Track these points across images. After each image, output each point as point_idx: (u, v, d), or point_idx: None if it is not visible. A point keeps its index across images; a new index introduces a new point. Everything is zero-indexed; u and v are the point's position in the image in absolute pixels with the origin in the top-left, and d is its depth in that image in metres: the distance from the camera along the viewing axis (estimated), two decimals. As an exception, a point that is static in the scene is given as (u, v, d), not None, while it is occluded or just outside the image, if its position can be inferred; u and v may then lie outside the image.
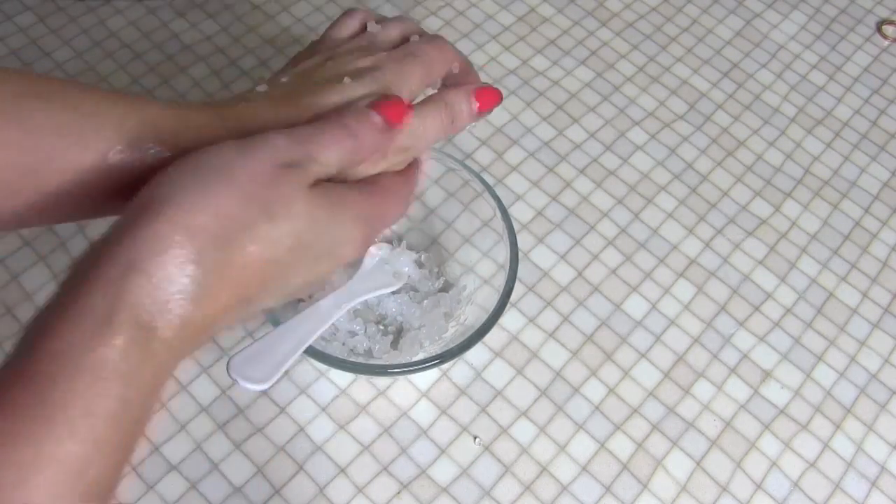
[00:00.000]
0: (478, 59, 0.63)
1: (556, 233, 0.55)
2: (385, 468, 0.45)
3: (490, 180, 0.56)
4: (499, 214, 0.46)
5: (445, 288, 0.50)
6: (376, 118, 0.32)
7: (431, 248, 0.52)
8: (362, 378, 0.48)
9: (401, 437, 0.46)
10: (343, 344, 0.47)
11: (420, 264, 0.51)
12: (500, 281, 0.44)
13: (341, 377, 0.48)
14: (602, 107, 0.62)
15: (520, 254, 0.50)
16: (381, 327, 0.48)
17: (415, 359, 0.43)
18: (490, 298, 0.44)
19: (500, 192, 0.50)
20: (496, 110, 0.61)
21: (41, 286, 0.50)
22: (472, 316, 0.46)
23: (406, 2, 0.66)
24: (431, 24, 0.65)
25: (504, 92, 0.61)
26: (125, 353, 0.24)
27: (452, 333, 0.46)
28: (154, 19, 0.63)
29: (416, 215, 0.52)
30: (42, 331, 0.24)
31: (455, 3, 0.66)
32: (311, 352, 0.41)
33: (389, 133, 0.32)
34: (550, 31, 0.66)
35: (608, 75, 0.63)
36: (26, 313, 0.49)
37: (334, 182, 0.30)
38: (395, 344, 0.48)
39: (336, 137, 0.30)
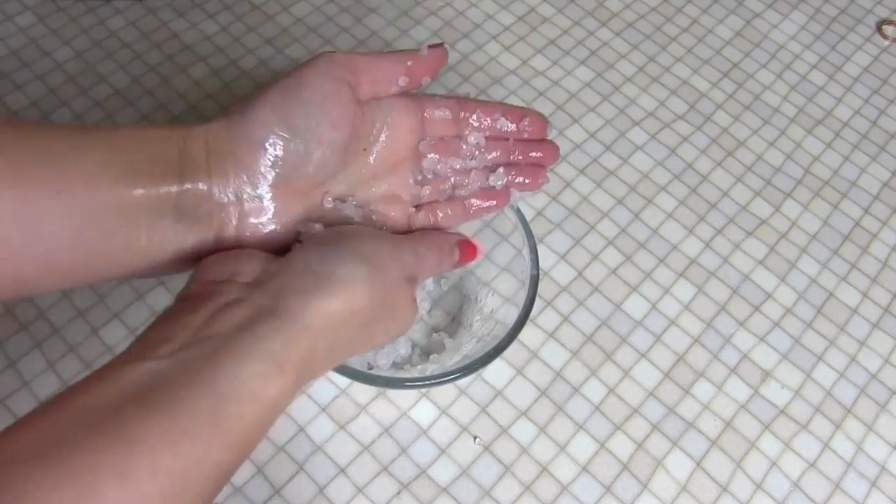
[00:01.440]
0: (478, 59, 0.63)
1: (556, 233, 0.55)
2: (385, 468, 0.45)
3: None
4: (521, 229, 0.46)
5: (465, 302, 0.51)
6: (457, 254, 0.39)
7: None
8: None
9: (401, 437, 0.46)
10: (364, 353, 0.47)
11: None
12: (520, 295, 0.44)
13: (341, 377, 0.48)
14: (602, 107, 0.62)
15: (518, 254, 0.50)
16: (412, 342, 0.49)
17: (433, 373, 0.43)
18: (510, 314, 0.44)
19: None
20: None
21: (41, 286, 0.50)
22: (489, 329, 0.46)
23: (406, 2, 0.66)
24: (431, 24, 0.65)
25: (504, 92, 0.61)
26: (282, 387, 0.29)
27: (470, 348, 0.46)
28: (154, 19, 0.63)
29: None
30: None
31: (455, 3, 0.66)
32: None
33: (457, 265, 0.40)
34: (550, 31, 0.66)
35: (608, 75, 0.63)
36: (26, 313, 0.49)
37: None
38: (423, 357, 0.49)
39: (435, 262, 0.38)
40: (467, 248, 0.40)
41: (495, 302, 0.48)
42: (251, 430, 0.28)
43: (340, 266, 0.32)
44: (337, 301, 0.31)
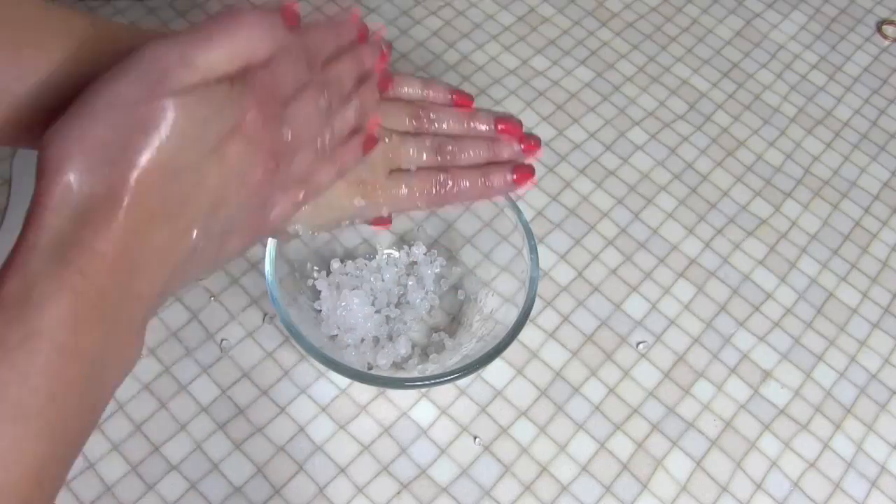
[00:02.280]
0: (478, 58, 0.63)
1: (556, 233, 0.55)
2: (385, 468, 0.45)
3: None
4: (521, 229, 0.46)
5: (465, 302, 0.51)
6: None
7: (449, 259, 0.52)
8: (362, 378, 0.48)
9: (401, 437, 0.46)
10: (364, 353, 0.48)
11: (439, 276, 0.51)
12: (520, 295, 0.45)
13: (341, 377, 0.48)
14: (602, 107, 0.62)
15: (518, 254, 0.50)
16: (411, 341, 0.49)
17: (433, 373, 0.43)
18: (510, 314, 0.44)
19: (485, 208, 0.50)
20: (496, 110, 0.61)
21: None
22: (489, 329, 0.46)
23: (406, 2, 0.66)
24: (431, 24, 0.65)
25: (504, 92, 0.61)
26: (37, 290, 0.25)
27: (471, 348, 0.46)
28: (154, 19, 0.63)
29: (435, 230, 0.53)
30: None
31: (455, 3, 0.66)
32: (334, 365, 0.41)
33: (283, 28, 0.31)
34: (550, 31, 0.66)
35: (608, 75, 0.63)
36: (26, 313, 0.49)
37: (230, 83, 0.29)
38: (423, 357, 0.49)
39: (214, 37, 0.29)
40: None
41: (495, 302, 0.48)
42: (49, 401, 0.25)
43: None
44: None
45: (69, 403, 0.26)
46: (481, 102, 0.61)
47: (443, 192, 0.39)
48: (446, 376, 0.41)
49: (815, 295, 0.54)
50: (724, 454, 0.47)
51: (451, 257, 0.52)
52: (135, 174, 0.27)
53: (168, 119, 0.27)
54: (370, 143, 0.37)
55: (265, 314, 0.50)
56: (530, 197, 0.56)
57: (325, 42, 0.35)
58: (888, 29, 0.69)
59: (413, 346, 0.49)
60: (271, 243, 0.44)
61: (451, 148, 0.40)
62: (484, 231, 0.51)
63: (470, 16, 0.66)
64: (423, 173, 0.39)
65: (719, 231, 0.56)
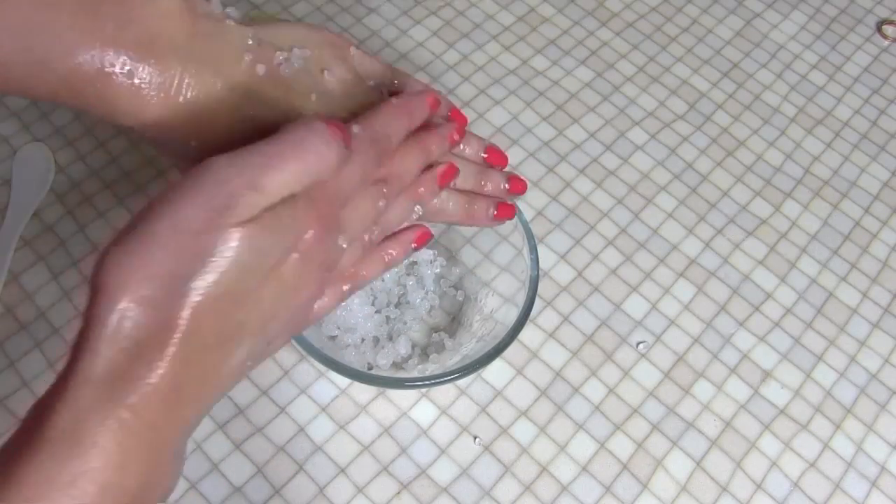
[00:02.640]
0: (478, 58, 0.63)
1: (556, 233, 0.55)
2: (385, 468, 0.45)
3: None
4: (521, 229, 0.46)
5: (465, 302, 0.51)
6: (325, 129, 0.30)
7: (449, 260, 0.52)
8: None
9: (401, 437, 0.46)
10: (364, 353, 0.48)
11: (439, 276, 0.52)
12: (520, 295, 0.45)
13: (341, 377, 0.48)
14: (602, 107, 0.62)
15: (518, 254, 0.50)
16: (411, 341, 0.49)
17: (433, 373, 0.43)
18: (510, 314, 0.44)
19: None
20: (496, 109, 0.61)
21: (41, 286, 0.50)
22: (489, 329, 0.46)
23: (406, 2, 0.66)
24: (431, 24, 0.65)
25: (504, 92, 0.61)
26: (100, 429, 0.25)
27: (471, 348, 0.46)
28: (154, 19, 0.63)
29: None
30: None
31: (455, 3, 0.66)
32: (334, 365, 0.41)
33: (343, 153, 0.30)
34: (550, 31, 0.66)
35: (608, 75, 0.63)
36: (26, 313, 0.49)
37: (290, 207, 0.29)
38: (423, 357, 0.49)
39: (283, 157, 0.29)
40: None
41: (495, 302, 0.48)
42: None
43: None
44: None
45: None
46: (481, 102, 0.61)
47: (428, 206, 0.39)
48: (446, 376, 0.41)
49: (815, 295, 0.54)
50: (724, 454, 0.47)
51: (451, 257, 0.52)
52: (193, 306, 0.26)
53: (232, 250, 0.27)
54: (422, 238, 0.38)
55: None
56: (530, 197, 0.56)
57: (396, 129, 0.35)
58: (888, 29, 0.69)
59: (413, 347, 0.49)
60: None
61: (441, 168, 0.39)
62: (484, 231, 0.50)
63: (470, 16, 0.66)
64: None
65: (719, 231, 0.56)
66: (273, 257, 0.28)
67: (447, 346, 0.48)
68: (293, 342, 0.41)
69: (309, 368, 0.48)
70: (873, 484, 0.47)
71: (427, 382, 0.42)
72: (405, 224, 0.38)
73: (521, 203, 0.55)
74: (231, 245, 0.27)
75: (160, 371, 0.26)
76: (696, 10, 0.68)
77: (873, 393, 0.50)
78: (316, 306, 0.34)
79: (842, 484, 0.47)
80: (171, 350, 0.26)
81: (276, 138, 0.29)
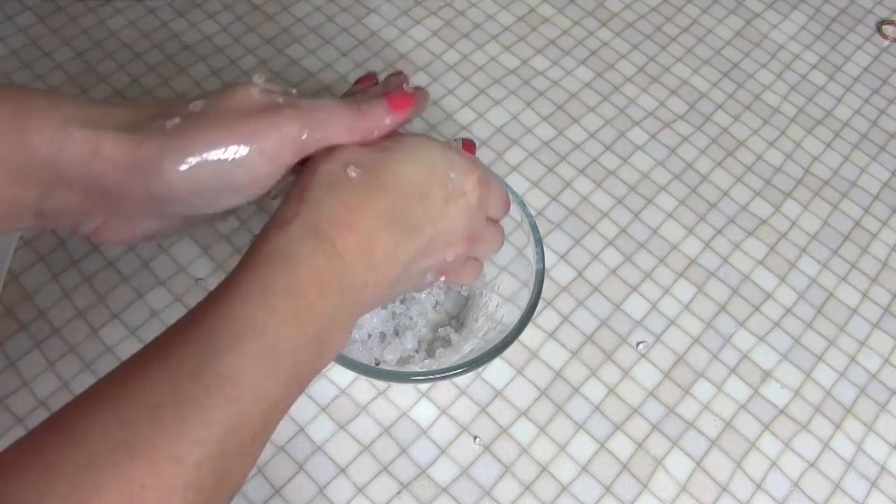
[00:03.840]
0: (478, 59, 0.63)
1: (556, 233, 0.55)
2: (385, 468, 0.45)
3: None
4: (526, 224, 0.46)
5: (469, 297, 0.51)
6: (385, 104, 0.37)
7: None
8: (362, 378, 0.48)
9: (401, 437, 0.46)
10: (371, 348, 0.48)
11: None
12: (525, 289, 0.45)
13: (341, 377, 0.48)
14: (602, 107, 0.62)
15: (519, 254, 0.50)
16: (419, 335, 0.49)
17: (440, 367, 0.43)
18: (514, 310, 0.44)
19: None
20: (496, 109, 0.61)
21: (41, 286, 0.50)
22: (495, 324, 0.46)
23: (406, 2, 0.66)
24: (431, 24, 0.65)
25: (504, 92, 0.61)
26: (297, 241, 0.31)
27: (476, 342, 0.46)
28: (154, 19, 0.63)
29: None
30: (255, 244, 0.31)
31: (455, 3, 0.66)
32: (342, 360, 0.41)
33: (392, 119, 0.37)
34: (550, 31, 0.66)
35: (608, 75, 0.63)
36: (26, 313, 0.49)
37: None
38: (430, 352, 0.49)
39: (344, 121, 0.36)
40: (397, 99, 0.38)
41: (505, 290, 0.48)
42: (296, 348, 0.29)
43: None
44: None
45: (303, 357, 0.30)
46: (481, 102, 0.61)
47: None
48: (454, 370, 0.41)
49: (815, 295, 0.54)
50: (724, 454, 0.47)
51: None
52: (395, 179, 0.34)
53: (434, 150, 0.36)
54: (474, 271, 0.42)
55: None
56: (530, 197, 0.56)
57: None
58: (888, 29, 0.69)
59: (419, 342, 0.49)
60: None
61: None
62: None
63: (470, 16, 0.66)
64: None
65: (719, 231, 0.56)
66: (453, 186, 0.36)
67: (453, 341, 0.48)
68: None
69: (309, 368, 0.48)
70: (873, 484, 0.47)
71: (434, 377, 0.42)
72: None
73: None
74: (433, 146, 0.36)
75: (360, 219, 0.32)
76: (696, 10, 0.68)
77: (873, 393, 0.50)
78: (426, 280, 0.38)
79: (842, 484, 0.47)
80: (370, 206, 0.33)
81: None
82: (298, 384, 0.30)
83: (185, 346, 0.28)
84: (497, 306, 0.47)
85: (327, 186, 0.32)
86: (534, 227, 0.45)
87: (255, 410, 0.28)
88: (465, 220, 0.37)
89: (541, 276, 0.44)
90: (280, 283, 0.29)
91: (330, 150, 0.34)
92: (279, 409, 0.29)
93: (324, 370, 0.48)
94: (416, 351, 0.48)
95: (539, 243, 0.45)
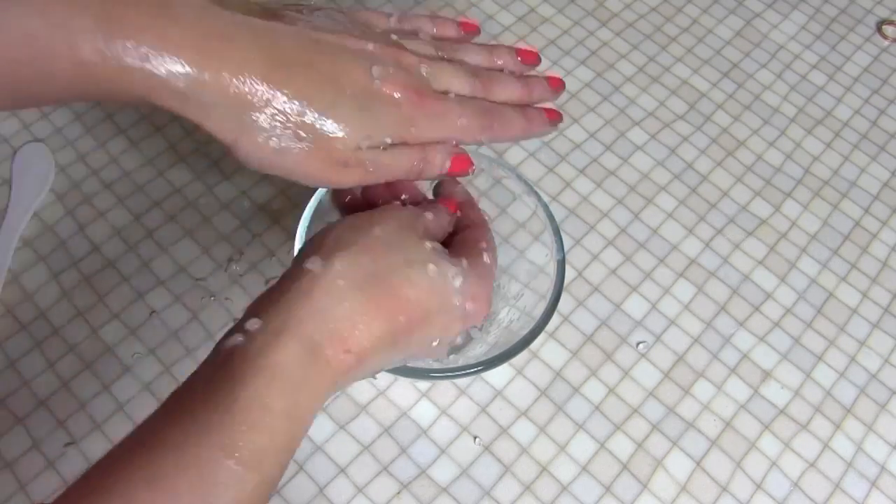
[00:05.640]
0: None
1: (556, 233, 0.55)
2: (385, 468, 0.45)
3: (490, 181, 0.56)
4: (544, 218, 0.46)
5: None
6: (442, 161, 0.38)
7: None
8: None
9: (401, 437, 0.46)
10: None
11: None
12: (543, 281, 0.45)
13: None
14: (602, 107, 0.62)
15: (522, 255, 0.50)
16: None
17: (458, 364, 0.43)
18: (536, 301, 0.45)
19: (499, 192, 0.50)
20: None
21: (41, 286, 0.50)
22: (516, 317, 0.47)
23: (406, 2, 0.66)
24: (431, 24, 0.65)
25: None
26: (297, 362, 0.29)
27: (499, 335, 0.46)
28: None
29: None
30: (224, 342, 0.30)
31: (455, 4, 0.66)
32: None
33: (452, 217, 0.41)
34: (550, 31, 0.66)
35: (608, 75, 0.63)
36: (26, 313, 0.49)
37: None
38: (453, 349, 0.48)
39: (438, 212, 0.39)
40: (456, 159, 0.38)
41: (519, 287, 0.48)
42: (273, 406, 0.29)
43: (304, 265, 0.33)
44: (325, 258, 0.32)
45: (281, 461, 0.29)
46: (481, 102, 0.61)
47: (492, 122, 0.39)
48: (475, 367, 0.41)
49: (815, 295, 0.54)
50: (724, 454, 0.47)
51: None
52: (397, 301, 0.33)
53: (427, 256, 0.35)
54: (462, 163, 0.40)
55: (265, 314, 0.50)
56: (530, 197, 0.56)
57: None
58: (888, 29, 0.69)
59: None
60: (298, 238, 0.43)
61: (486, 77, 0.40)
62: (505, 216, 0.51)
63: (470, 16, 0.66)
64: (470, 101, 0.39)
65: (719, 231, 0.56)
66: (450, 303, 0.36)
67: (474, 337, 0.48)
68: None
69: (309, 368, 0.48)
70: (873, 484, 0.47)
71: (452, 374, 0.42)
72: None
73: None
74: (425, 251, 0.36)
75: (358, 343, 0.32)
76: (696, 10, 0.68)
77: (873, 393, 0.50)
78: None
79: (842, 484, 0.47)
80: (370, 327, 0.32)
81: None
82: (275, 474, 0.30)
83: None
84: (518, 293, 0.48)
85: (324, 294, 0.31)
86: (550, 217, 0.46)
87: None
88: (459, 327, 0.37)
89: (562, 265, 0.44)
90: (278, 404, 0.29)
91: (321, 241, 0.33)
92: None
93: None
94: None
95: (556, 233, 0.45)
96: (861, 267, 0.56)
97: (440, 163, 0.38)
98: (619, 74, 0.64)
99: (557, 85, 0.43)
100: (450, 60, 0.39)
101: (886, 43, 0.68)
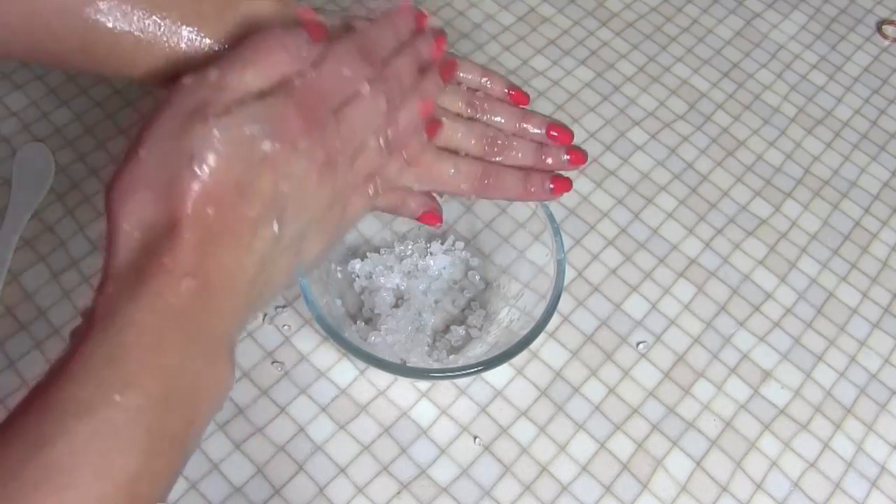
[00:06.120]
0: (478, 59, 0.63)
1: (556, 233, 0.55)
2: (385, 468, 0.45)
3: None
4: (544, 218, 0.46)
5: (489, 290, 0.51)
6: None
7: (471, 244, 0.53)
8: (362, 377, 0.48)
9: (401, 437, 0.46)
10: (392, 346, 0.48)
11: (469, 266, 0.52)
12: (543, 285, 0.45)
13: (341, 377, 0.48)
14: (602, 107, 0.62)
15: (522, 255, 0.50)
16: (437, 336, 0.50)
17: (458, 364, 0.44)
18: (535, 301, 0.45)
19: None
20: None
21: (41, 286, 0.50)
22: (516, 317, 0.47)
23: (405, 1, 0.66)
24: (431, 24, 0.65)
25: (504, 92, 0.61)
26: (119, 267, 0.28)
27: (498, 335, 0.47)
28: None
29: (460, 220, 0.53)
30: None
31: (455, 3, 0.66)
32: (354, 350, 0.41)
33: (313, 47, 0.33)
34: (550, 31, 0.66)
35: (608, 75, 0.63)
36: (26, 313, 0.49)
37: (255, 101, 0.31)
38: (452, 349, 0.49)
39: (243, 57, 0.31)
40: (428, 215, 0.40)
41: (519, 287, 0.48)
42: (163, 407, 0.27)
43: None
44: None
45: (157, 419, 0.27)
46: (481, 102, 0.61)
47: (486, 182, 0.40)
48: (475, 367, 0.42)
49: (815, 295, 0.54)
50: (724, 454, 0.47)
51: (477, 252, 0.52)
52: (189, 200, 0.28)
53: (210, 142, 0.28)
54: (433, 128, 0.38)
55: (265, 314, 0.50)
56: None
57: (382, 40, 0.36)
58: (888, 29, 0.69)
59: (438, 338, 0.49)
60: None
61: (501, 142, 0.40)
62: (505, 219, 0.51)
63: (470, 16, 0.66)
64: (471, 160, 0.40)
65: (719, 231, 0.56)
66: (257, 147, 0.29)
67: (473, 336, 0.48)
68: (336, 344, 0.42)
69: (309, 368, 0.48)
70: (873, 484, 0.47)
71: (452, 374, 0.42)
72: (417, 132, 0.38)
73: (520, 203, 0.56)
74: (208, 139, 0.28)
75: (175, 258, 0.28)
76: (696, 10, 0.68)
77: (873, 393, 0.50)
78: (347, 212, 0.35)
79: (842, 484, 0.47)
80: (180, 239, 0.28)
81: (239, 45, 0.32)
82: (169, 444, 0.27)
83: (10, 442, 0.25)
84: (517, 294, 0.48)
85: (126, 235, 0.29)
86: (550, 218, 0.46)
87: (104, 489, 0.25)
88: (306, 171, 0.32)
89: (562, 266, 0.45)
90: (100, 356, 0.26)
91: (114, 203, 0.29)
92: (147, 478, 0.27)
93: (325, 370, 0.48)
94: (436, 348, 0.48)
95: (557, 233, 0.45)
96: (861, 267, 0.56)
97: (414, 210, 0.40)
98: (619, 74, 0.64)
99: (578, 161, 0.42)
100: (468, 120, 0.40)
101: (886, 43, 0.68)
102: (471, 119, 0.40)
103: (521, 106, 0.42)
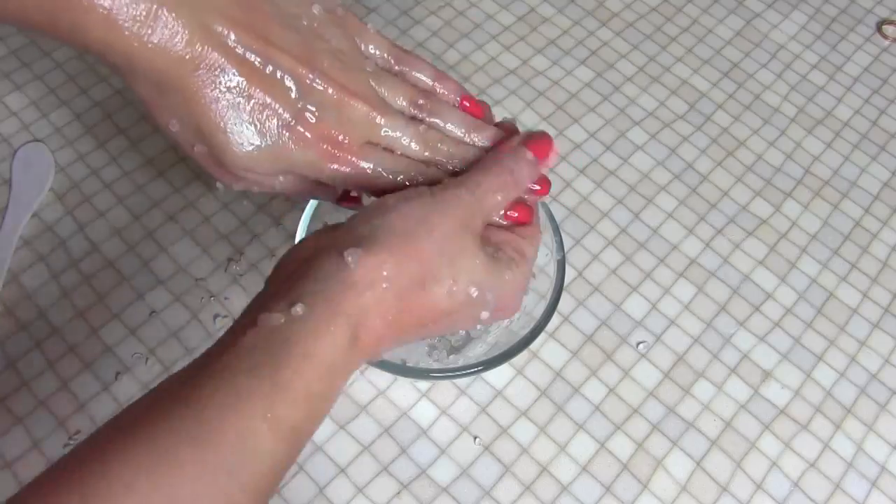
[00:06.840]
0: (478, 58, 0.63)
1: (556, 233, 0.55)
2: (385, 468, 0.45)
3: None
4: (544, 218, 0.46)
5: None
6: (529, 155, 0.37)
7: None
8: (362, 377, 0.48)
9: (401, 437, 0.46)
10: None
11: None
12: (543, 285, 0.45)
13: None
14: (602, 107, 0.62)
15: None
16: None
17: (458, 364, 0.43)
18: (536, 301, 0.44)
19: None
20: (496, 109, 0.61)
21: (41, 286, 0.50)
22: (516, 318, 0.46)
23: (406, 2, 0.66)
24: (431, 24, 0.65)
25: (504, 92, 0.61)
26: (340, 352, 0.30)
27: (500, 333, 0.46)
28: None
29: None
30: (263, 318, 0.30)
31: (455, 3, 0.66)
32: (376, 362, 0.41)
33: (538, 169, 0.37)
34: (550, 31, 0.66)
35: (608, 75, 0.63)
36: (26, 313, 0.49)
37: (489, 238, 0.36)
38: (453, 349, 0.49)
39: (501, 181, 0.35)
40: (538, 144, 0.37)
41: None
42: (312, 388, 0.30)
43: (366, 224, 0.33)
44: (373, 257, 0.31)
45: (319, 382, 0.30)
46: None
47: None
48: (471, 368, 0.42)
49: (815, 295, 0.54)
50: (724, 454, 0.47)
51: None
52: (428, 312, 0.33)
53: (475, 264, 0.34)
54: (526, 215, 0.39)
55: (265, 314, 0.50)
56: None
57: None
58: (888, 29, 0.69)
59: (438, 338, 0.49)
60: (298, 239, 0.44)
61: (445, 149, 0.38)
62: None
63: (470, 16, 0.66)
64: (405, 162, 0.37)
65: (719, 231, 0.56)
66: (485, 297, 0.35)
67: (472, 335, 0.48)
68: None
69: (309, 368, 0.48)
70: (873, 484, 0.47)
71: (453, 374, 0.42)
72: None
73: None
74: (476, 258, 0.34)
75: (389, 340, 0.32)
76: (696, 10, 0.68)
77: (873, 393, 0.50)
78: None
79: (842, 484, 0.47)
80: (399, 327, 0.33)
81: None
82: (319, 403, 0.31)
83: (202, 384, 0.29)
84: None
85: (368, 290, 0.31)
86: (550, 217, 0.46)
87: (278, 438, 0.29)
88: (479, 324, 0.37)
89: (562, 265, 0.44)
90: (317, 387, 0.30)
91: (366, 226, 0.32)
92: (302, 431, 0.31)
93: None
94: (436, 348, 0.48)
95: (557, 233, 0.45)
96: (861, 267, 0.56)
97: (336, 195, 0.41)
98: (619, 74, 0.64)
99: (540, 193, 0.38)
100: (409, 118, 0.37)
101: (886, 43, 0.68)
102: (412, 118, 0.38)
103: (474, 115, 0.40)
